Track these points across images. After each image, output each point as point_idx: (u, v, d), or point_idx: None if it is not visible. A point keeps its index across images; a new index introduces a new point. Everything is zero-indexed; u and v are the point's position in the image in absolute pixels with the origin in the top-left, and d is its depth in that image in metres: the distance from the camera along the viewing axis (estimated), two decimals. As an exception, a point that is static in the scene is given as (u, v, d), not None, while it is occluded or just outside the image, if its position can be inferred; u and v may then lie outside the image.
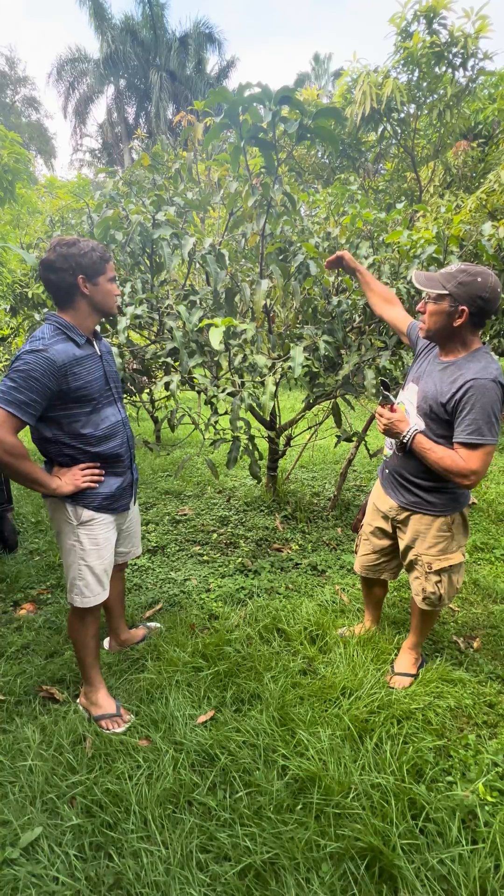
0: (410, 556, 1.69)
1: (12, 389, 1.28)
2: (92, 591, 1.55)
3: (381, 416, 1.55)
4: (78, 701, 1.69)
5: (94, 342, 1.50)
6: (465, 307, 1.38)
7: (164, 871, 1.18)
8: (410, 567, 1.71)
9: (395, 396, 1.62)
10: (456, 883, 1.16)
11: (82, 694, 1.68)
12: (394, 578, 1.89)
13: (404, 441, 1.51)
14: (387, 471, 1.72)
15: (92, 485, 1.49)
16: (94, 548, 1.53)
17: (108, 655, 1.93)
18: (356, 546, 1.95)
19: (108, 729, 1.58)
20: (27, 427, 1.37)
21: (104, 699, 1.64)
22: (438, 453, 1.44)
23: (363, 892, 1.14)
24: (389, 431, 1.54)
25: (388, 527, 1.77)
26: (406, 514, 1.66)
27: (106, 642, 1.97)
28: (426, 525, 1.62)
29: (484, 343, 1.52)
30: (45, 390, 1.32)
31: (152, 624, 2.03)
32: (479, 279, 1.37)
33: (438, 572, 1.63)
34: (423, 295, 1.48)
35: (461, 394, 1.39)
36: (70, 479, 1.45)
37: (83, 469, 1.48)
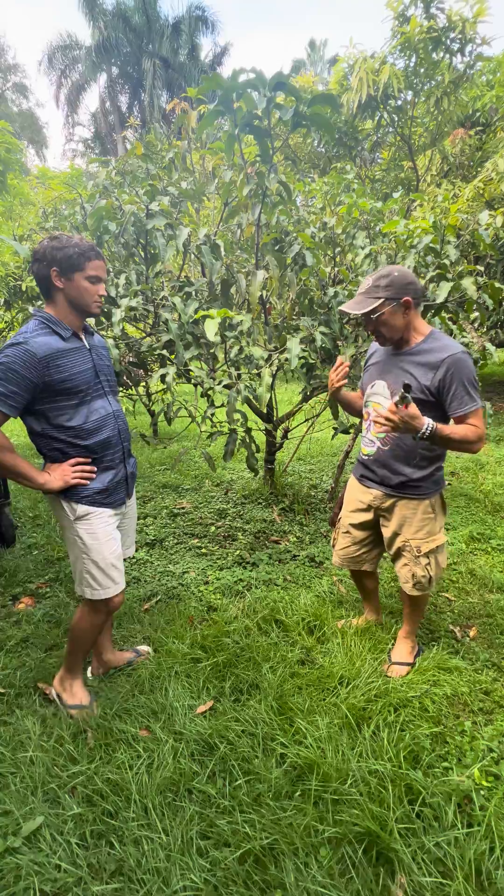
0: (398, 544, 1.72)
1: None
2: (101, 583, 1.54)
3: (395, 414, 1.44)
4: (51, 688, 1.66)
5: (84, 337, 1.51)
6: (406, 297, 1.50)
7: (164, 858, 1.19)
8: (397, 555, 1.74)
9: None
10: (452, 865, 1.18)
11: (57, 679, 1.65)
12: (373, 569, 1.92)
13: (426, 434, 1.45)
14: (369, 468, 1.74)
15: (82, 481, 1.48)
16: (94, 542, 1.52)
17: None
18: (333, 540, 1.98)
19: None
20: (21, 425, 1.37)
21: (80, 690, 1.63)
22: (459, 431, 1.49)
23: (361, 875, 1.16)
24: (408, 427, 1.45)
25: (369, 517, 1.79)
26: (391, 500, 1.69)
27: (89, 670, 1.82)
28: (412, 509, 1.66)
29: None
30: (26, 382, 1.33)
31: (142, 648, 1.91)
32: (396, 273, 1.51)
33: (427, 554, 1.68)
34: (360, 319, 1.57)
35: (443, 372, 1.49)
36: (59, 475, 1.44)
37: (73, 465, 1.47)
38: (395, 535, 1.71)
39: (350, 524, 1.86)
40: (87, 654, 1.65)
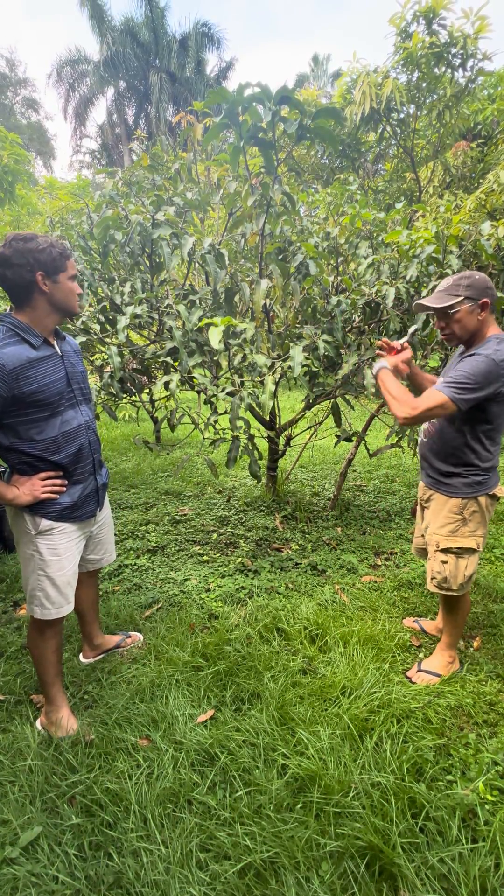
0: (427, 536, 1.77)
1: None
2: (53, 602, 1.47)
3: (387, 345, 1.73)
4: (38, 721, 1.59)
5: (55, 342, 1.44)
6: (485, 300, 1.56)
7: (163, 870, 1.18)
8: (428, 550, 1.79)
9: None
10: (456, 881, 1.15)
11: (43, 713, 1.59)
12: None
13: (374, 373, 1.68)
14: (421, 459, 1.82)
15: (52, 496, 1.42)
16: (55, 558, 1.45)
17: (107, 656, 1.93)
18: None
19: None
20: None
21: (66, 719, 1.56)
22: (395, 385, 1.59)
23: (363, 890, 1.14)
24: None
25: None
26: (430, 493, 1.77)
27: (80, 656, 1.88)
28: (441, 504, 1.71)
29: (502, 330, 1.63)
30: None
31: (134, 633, 1.94)
32: (477, 276, 1.58)
33: (445, 551, 1.69)
34: (434, 315, 1.64)
35: (459, 363, 1.55)
36: (28, 490, 1.38)
37: (43, 478, 1.41)
38: (427, 527, 1.77)
39: (419, 512, 1.95)
40: (61, 677, 1.60)
